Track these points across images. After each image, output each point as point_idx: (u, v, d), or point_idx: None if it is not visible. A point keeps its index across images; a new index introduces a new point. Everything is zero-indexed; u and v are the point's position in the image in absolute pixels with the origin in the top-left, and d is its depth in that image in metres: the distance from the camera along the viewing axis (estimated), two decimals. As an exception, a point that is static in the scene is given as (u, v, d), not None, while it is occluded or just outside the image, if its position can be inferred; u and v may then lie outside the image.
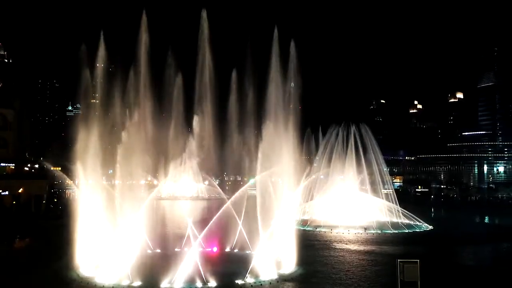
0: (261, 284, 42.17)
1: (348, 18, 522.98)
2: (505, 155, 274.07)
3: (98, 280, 42.62)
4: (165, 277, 41.48)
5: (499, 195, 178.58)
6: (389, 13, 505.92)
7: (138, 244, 51.84)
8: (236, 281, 42.40)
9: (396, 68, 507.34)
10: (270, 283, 42.88)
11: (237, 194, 54.20)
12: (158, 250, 55.76)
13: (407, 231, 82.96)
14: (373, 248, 65.31)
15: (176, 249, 53.86)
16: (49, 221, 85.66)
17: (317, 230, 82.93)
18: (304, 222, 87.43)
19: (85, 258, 47.21)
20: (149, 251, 55.23)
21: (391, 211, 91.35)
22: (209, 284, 41.13)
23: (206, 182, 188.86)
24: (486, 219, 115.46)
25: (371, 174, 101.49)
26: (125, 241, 46.32)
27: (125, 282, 41.57)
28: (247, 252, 52.26)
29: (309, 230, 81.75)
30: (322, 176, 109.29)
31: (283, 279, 44.20)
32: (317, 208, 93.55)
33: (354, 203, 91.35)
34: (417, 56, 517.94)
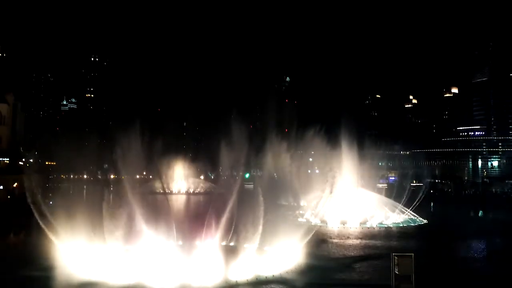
0: (256, 278, 42.23)
1: (343, 13, 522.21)
2: (499, 149, 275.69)
3: (93, 274, 42.61)
4: (159, 274, 41.43)
5: (494, 190, 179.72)
6: (385, 8, 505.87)
7: (134, 238, 51.75)
8: (231, 277, 42.30)
9: (391, 63, 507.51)
10: (266, 277, 42.93)
11: (233, 189, 54.03)
12: (154, 243, 55.52)
13: (402, 225, 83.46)
14: (369, 242, 65.64)
15: (170, 244, 53.78)
16: (43, 215, 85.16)
17: (313, 224, 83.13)
18: (300, 217, 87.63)
19: (79, 253, 47.16)
20: (146, 244, 55.10)
21: (387, 206, 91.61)
22: (205, 282, 40.98)
23: (202, 177, 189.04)
24: (480, 214, 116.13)
25: (367, 169, 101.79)
26: (118, 236, 46.20)
27: (121, 280, 41.46)
28: (243, 246, 52.29)
29: (305, 225, 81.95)
30: (317, 171, 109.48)
31: (279, 273, 44.21)
32: (313, 203, 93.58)
33: (350, 198, 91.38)
34: (413, 51, 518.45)
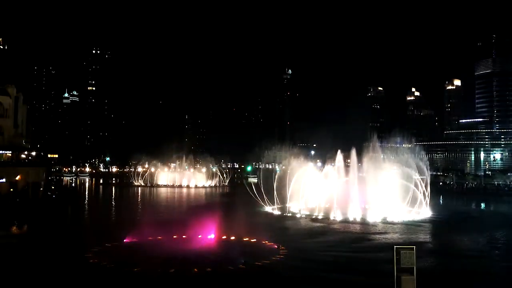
0: (258, 268, 42.53)
1: (345, 5, 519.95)
2: (501, 142, 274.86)
3: (101, 263, 42.94)
4: (163, 263, 41.78)
5: (496, 182, 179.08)
6: (387, 0, 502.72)
7: (138, 230, 52.03)
8: (230, 267, 42.59)
9: (394, 55, 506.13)
10: (266, 267, 43.21)
11: (235, 184, 54.17)
12: (159, 237, 55.82)
13: (405, 220, 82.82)
14: (370, 235, 65.65)
15: (174, 236, 54.04)
16: (46, 208, 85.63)
17: (313, 217, 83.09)
18: (298, 210, 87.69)
19: (83, 241, 47.52)
20: (149, 238, 55.45)
21: (390, 198, 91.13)
22: (207, 269, 41.40)
23: (204, 169, 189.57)
24: (483, 206, 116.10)
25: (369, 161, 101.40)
26: (122, 227, 46.43)
27: (126, 267, 41.82)
28: (242, 238, 52.64)
29: (304, 217, 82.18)
30: (320, 164, 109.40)
31: (276, 262, 44.51)
32: (313, 196, 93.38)
33: (354, 190, 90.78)
34: (415, 43, 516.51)
